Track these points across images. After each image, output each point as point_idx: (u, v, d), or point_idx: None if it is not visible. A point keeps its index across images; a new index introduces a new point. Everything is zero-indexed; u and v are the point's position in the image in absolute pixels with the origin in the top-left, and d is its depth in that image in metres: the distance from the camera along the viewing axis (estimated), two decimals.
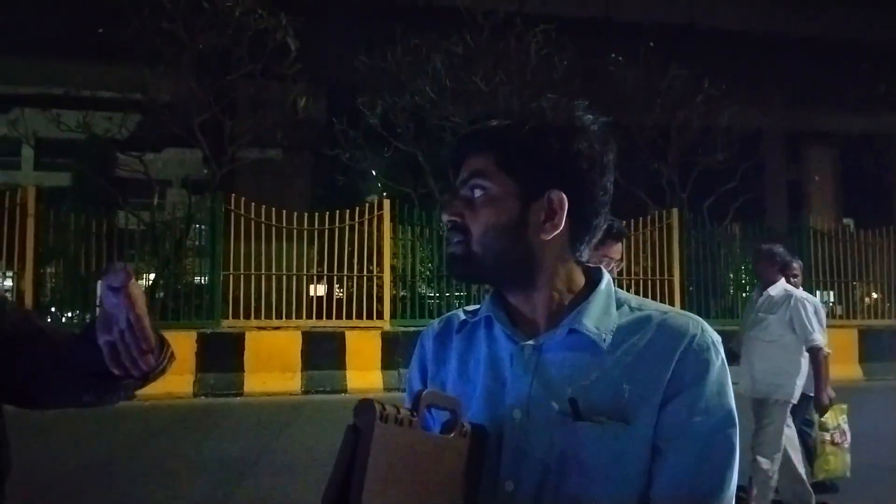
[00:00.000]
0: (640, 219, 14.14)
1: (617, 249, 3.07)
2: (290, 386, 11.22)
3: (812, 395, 5.29)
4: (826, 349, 5.25)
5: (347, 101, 18.07)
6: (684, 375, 1.09)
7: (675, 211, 14.55)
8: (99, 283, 1.14)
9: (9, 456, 1.38)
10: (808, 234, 14.83)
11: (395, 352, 11.63)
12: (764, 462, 4.85)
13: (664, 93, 19.07)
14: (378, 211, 13.10)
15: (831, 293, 15.42)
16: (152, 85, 16.14)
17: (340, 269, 12.88)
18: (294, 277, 12.68)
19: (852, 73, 22.66)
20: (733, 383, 1.14)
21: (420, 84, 17.10)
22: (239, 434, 8.54)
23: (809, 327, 4.97)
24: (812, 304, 5.21)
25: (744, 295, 14.56)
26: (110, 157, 22.90)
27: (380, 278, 12.87)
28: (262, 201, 12.95)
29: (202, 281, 13.08)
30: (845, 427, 5.42)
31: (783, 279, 5.24)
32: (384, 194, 18.38)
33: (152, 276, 13.72)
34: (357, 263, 12.96)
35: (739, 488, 3.10)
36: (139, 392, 1.37)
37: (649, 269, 13.82)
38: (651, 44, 19.19)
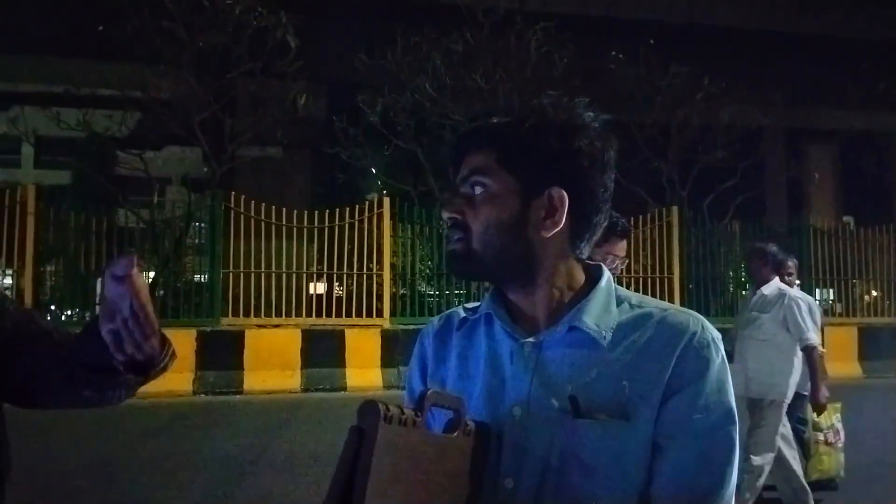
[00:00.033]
0: (640, 217, 14.13)
1: (622, 247, 3.07)
2: (290, 384, 11.22)
3: (806, 393, 5.29)
4: (820, 348, 5.25)
5: (347, 98, 18.07)
6: (684, 372, 1.09)
7: (674, 209, 14.55)
8: (104, 274, 1.14)
9: (9, 456, 1.38)
10: (807, 232, 14.83)
11: (394, 350, 11.62)
12: (756, 460, 4.84)
13: (664, 91, 19.06)
14: (378, 209, 13.10)
15: (831, 291, 15.42)
16: (152, 83, 16.13)
17: (340, 267, 12.88)
18: (294, 275, 12.68)
19: (852, 71, 22.66)
20: None
21: (420, 82, 17.09)
22: (239, 432, 8.54)
23: (803, 326, 4.95)
24: (806, 303, 5.21)
25: (743, 293, 14.55)
26: (110, 155, 22.90)
27: (379, 276, 12.87)
28: (261, 199, 12.95)
29: (202, 279, 13.07)
30: (839, 426, 5.42)
31: (777, 278, 5.22)
32: (384, 192, 18.40)
33: (152, 274, 13.72)
34: (357, 261, 12.96)
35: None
36: (139, 390, 1.36)
37: (649, 267, 13.83)
38: (651, 42, 19.18)
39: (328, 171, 21.06)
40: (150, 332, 1.12)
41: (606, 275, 1.21)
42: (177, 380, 10.47)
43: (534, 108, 1.16)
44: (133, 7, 14.59)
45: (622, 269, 3.17)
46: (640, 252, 13.85)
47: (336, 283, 13.31)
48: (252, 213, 12.54)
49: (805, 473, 5.24)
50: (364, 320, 12.47)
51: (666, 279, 13.83)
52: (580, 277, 1.20)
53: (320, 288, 13.32)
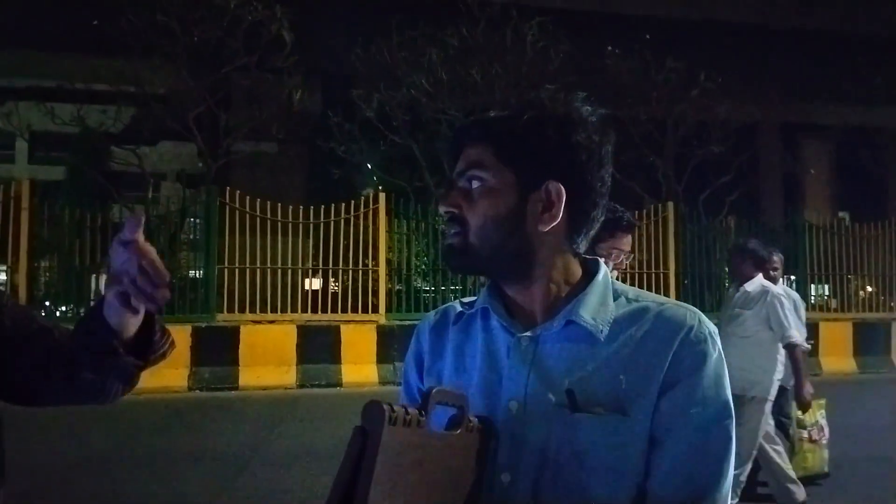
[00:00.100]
0: (636, 212, 14.10)
1: (627, 241, 3.06)
2: (285, 380, 11.21)
3: (789, 388, 5.29)
4: (805, 344, 5.26)
5: (343, 93, 18.06)
6: (681, 366, 1.08)
7: (670, 204, 14.55)
8: (111, 246, 1.16)
9: (3, 465, 1.36)
10: (803, 228, 14.85)
11: (390, 345, 11.62)
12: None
13: (660, 86, 19.08)
14: (373, 204, 13.07)
15: (826, 287, 15.45)
16: (147, 78, 16.11)
17: (336, 262, 12.86)
18: (289, 271, 12.66)
19: (848, 66, 22.70)
20: None
21: (416, 77, 17.08)
22: (234, 428, 8.53)
23: (786, 324, 4.94)
24: (791, 300, 5.22)
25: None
26: (105, 150, 22.87)
27: (375, 272, 12.86)
28: (256, 195, 12.92)
29: (197, 275, 13.04)
30: (823, 423, 5.42)
31: (760, 275, 5.20)
32: (380, 188, 18.38)
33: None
34: (352, 257, 12.95)
35: None
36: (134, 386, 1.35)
37: (645, 263, 13.83)
38: (647, 37, 19.22)
39: (323, 166, 21.06)
40: (161, 281, 1.13)
41: (603, 269, 1.20)
42: (172, 376, 10.46)
43: (531, 101, 1.16)
44: (127, 2, 14.54)
45: (627, 264, 3.17)
46: (636, 247, 13.82)
47: (331, 279, 13.30)
48: (247, 209, 12.51)
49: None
50: (360, 316, 12.46)
51: (661, 274, 13.84)
52: (577, 272, 1.19)
53: (316, 284, 13.30)
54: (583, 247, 1.20)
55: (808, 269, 14.72)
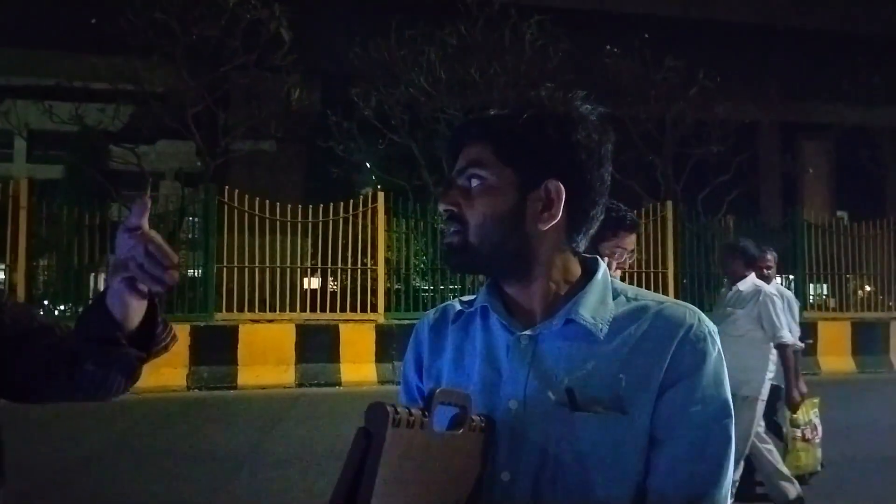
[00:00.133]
0: (635, 211, 14.08)
1: (631, 240, 3.07)
2: (284, 379, 11.21)
3: (783, 386, 5.30)
4: (798, 343, 5.26)
5: (341, 92, 18.05)
6: (681, 365, 1.08)
7: (669, 203, 14.54)
8: (116, 234, 1.16)
9: (3, 466, 1.36)
10: (801, 227, 14.85)
11: (389, 345, 11.62)
12: None
13: (659, 85, 19.07)
14: (372, 203, 13.06)
15: (825, 286, 15.45)
16: (145, 76, 16.10)
17: (334, 261, 12.85)
18: (288, 270, 12.65)
19: (847, 66, 22.69)
20: None
21: (414, 75, 17.08)
22: (232, 427, 8.53)
23: (777, 324, 4.95)
24: (785, 299, 5.23)
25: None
26: (103, 149, 22.87)
27: (374, 271, 12.85)
28: (255, 193, 12.90)
29: (195, 274, 13.02)
30: (817, 422, 5.41)
31: (752, 274, 5.21)
32: (378, 186, 18.37)
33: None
34: (351, 256, 12.94)
35: None
36: (132, 386, 1.34)
37: (643, 262, 13.83)
38: (646, 36, 19.19)
39: (322, 165, 21.05)
40: (170, 263, 1.13)
41: (603, 268, 1.20)
42: (170, 375, 10.46)
43: (531, 100, 1.16)
44: (126, 0, 14.53)
45: (630, 263, 3.18)
46: (635, 247, 13.81)
47: (330, 278, 13.29)
48: (246, 208, 12.50)
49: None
50: (358, 315, 12.45)
51: (660, 274, 13.84)
52: (576, 270, 1.19)
53: (314, 283, 13.29)
54: (582, 245, 1.20)
55: (807, 268, 14.72)
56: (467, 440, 1.02)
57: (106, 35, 14.99)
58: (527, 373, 1.11)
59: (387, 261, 13.06)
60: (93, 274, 12.83)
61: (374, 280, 12.82)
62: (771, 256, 5.68)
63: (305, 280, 13.21)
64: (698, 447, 1.07)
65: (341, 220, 12.91)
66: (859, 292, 15.51)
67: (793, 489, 5.09)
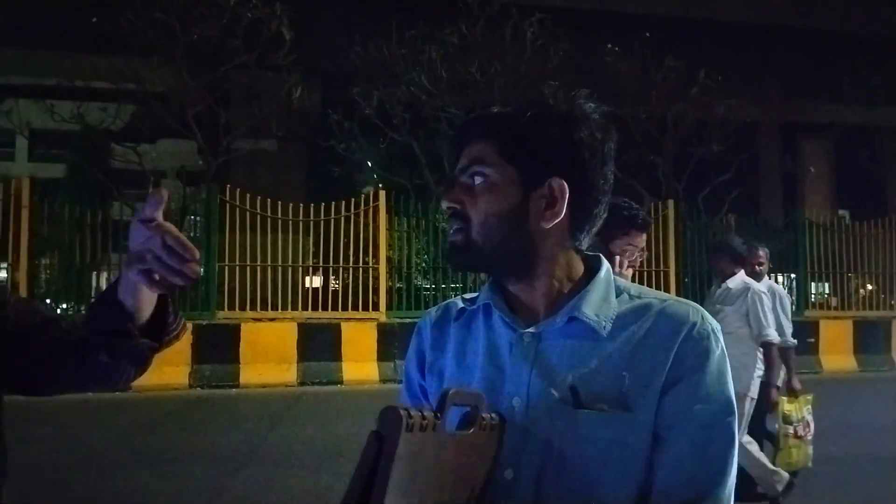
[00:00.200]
0: None
1: (641, 239, 3.08)
2: (286, 377, 11.21)
3: (780, 385, 5.31)
4: (791, 340, 5.27)
5: (342, 91, 18.05)
6: (684, 363, 1.09)
7: (670, 203, 14.54)
8: (131, 226, 1.15)
9: (5, 462, 1.36)
10: (803, 226, 14.85)
11: (390, 343, 11.62)
12: None
13: (660, 84, 19.06)
14: (374, 202, 13.06)
15: (826, 285, 15.46)
16: (146, 76, 16.08)
17: (336, 260, 12.86)
18: (290, 269, 12.66)
19: (848, 65, 22.67)
20: None
21: (415, 74, 17.08)
22: (234, 425, 8.53)
23: (763, 322, 4.95)
24: (777, 296, 5.25)
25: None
26: (105, 148, 22.87)
27: (375, 269, 12.86)
28: (257, 192, 12.91)
29: None
30: (809, 419, 5.41)
31: (742, 271, 5.22)
32: (380, 185, 18.37)
33: None
34: (353, 255, 12.94)
35: None
36: (135, 383, 1.35)
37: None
38: (647, 35, 19.18)
39: (323, 164, 21.05)
40: (190, 256, 1.12)
41: (605, 265, 1.20)
42: (172, 373, 10.47)
43: (534, 98, 1.16)
44: (127, 0, 14.53)
45: (640, 262, 3.19)
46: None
47: (332, 277, 13.29)
48: (247, 207, 12.50)
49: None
50: (360, 314, 12.46)
51: (662, 273, 13.84)
52: (579, 268, 1.19)
53: (316, 281, 13.29)
54: (585, 243, 1.20)
55: (809, 267, 14.72)
56: (478, 439, 1.02)
57: (107, 34, 14.99)
58: (530, 370, 1.12)
59: (388, 259, 13.06)
60: (94, 272, 12.84)
61: (376, 279, 12.83)
62: (762, 253, 5.67)
63: (307, 279, 13.23)
64: (702, 445, 1.07)
65: (343, 219, 12.92)
66: (861, 291, 15.50)
67: (781, 477, 5.11)
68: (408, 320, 11.85)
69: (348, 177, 21.36)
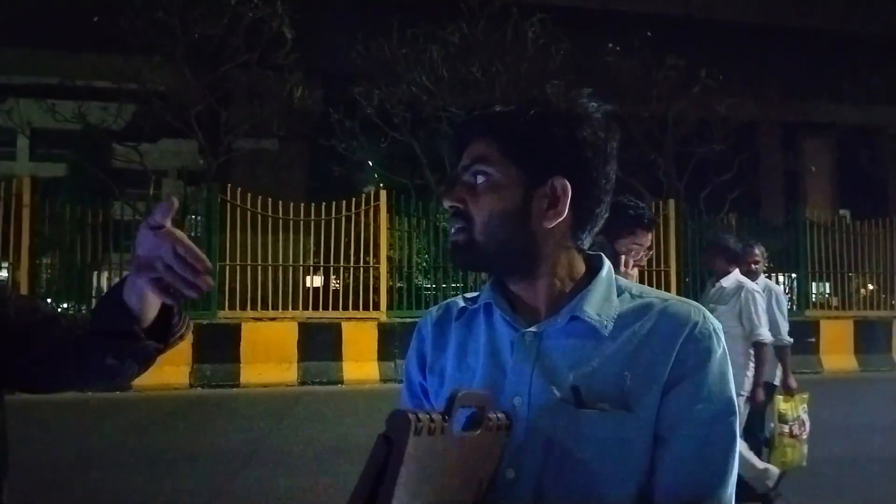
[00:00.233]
0: None
1: (648, 238, 3.08)
2: (287, 377, 11.21)
3: (776, 384, 5.31)
4: (786, 339, 5.26)
5: (343, 91, 18.05)
6: (686, 363, 1.08)
7: (671, 202, 14.54)
8: (139, 229, 1.13)
9: (5, 462, 1.36)
10: (804, 226, 14.84)
11: (391, 343, 11.62)
12: None
13: (661, 84, 19.05)
14: (375, 202, 13.06)
15: (827, 285, 15.45)
16: (147, 75, 16.09)
17: (337, 259, 12.86)
18: (290, 268, 12.66)
19: (849, 65, 22.67)
20: None
21: (416, 74, 17.08)
22: (235, 425, 8.53)
23: (756, 321, 4.94)
24: (773, 294, 5.24)
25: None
26: (106, 147, 22.86)
27: (376, 269, 12.86)
28: (258, 192, 12.91)
29: None
30: (805, 418, 5.40)
31: (736, 270, 5.21)
32: (380, 185, 18.37)
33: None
34: (353, 254, 12.94)
35: None
36: (135, 383, 1.35)
37: (645, 260, 13.82)
38: (647, 34, 19.17)
39: (324, 163, 21.06)
40: (203, 268, 1.10)
41: (607, 265, 1.20)
42: (173, 373, 10.47)
43: (537, 97, 1.15)
44: None
45: (647, 261, 3.21)
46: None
47: (333, 276, 13.29)
48: (248, 206, 12.50)
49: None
50: (361, 313, 12.46)
51: (662, 272, 13.83)
52: (581, 268, 1.19)
53: (317, 281, 13.29)
54: (587, 242, 1.20)
55: (809, 266, 14.71)
56: (484, 440, 1.02)
57: (107, 34, 15.00)
58: (531, 370, 1.11)
59: (389, 259, 13.06)
60: (95, 272, 12.84)
61: (377, 278, 12.83)
62: (758, 251, 5.66)
63: (308, 278, 13.22)
64: (703, 445, 1.07)
65: (343, 219, 12.91)
66: (862, 291, 15.49)
67: (771, 473, 5.11)
68: (408, 320, 11.85)
69: (349, 176, 21.36)
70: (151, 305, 1.20)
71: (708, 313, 1.14)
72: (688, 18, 23.42)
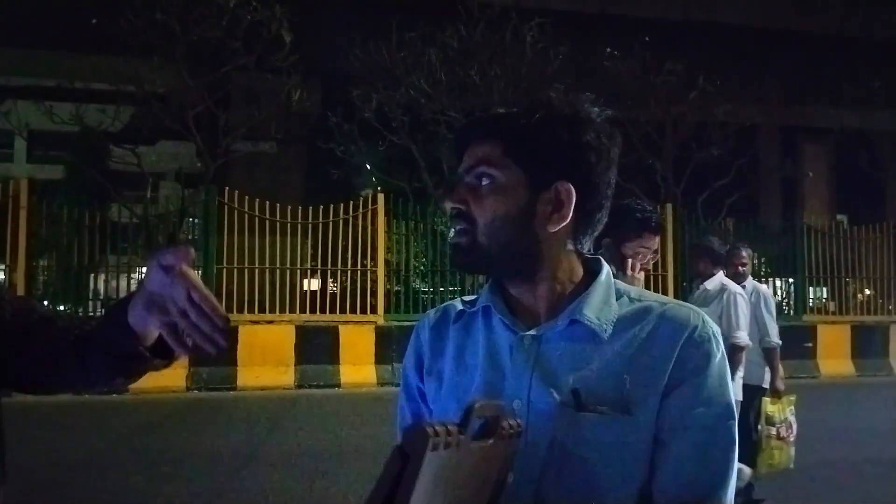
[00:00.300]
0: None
1: (654, 242, 3.08)
2: (284, 380, 11.20)
3: (766, 387, 5.31)
4: (775, 340, 5.26)
5: (342, 93, 18.06)
6: (686, 366, 1.08)
7: (669, 206, 14.54)
8: (149, 261, 1.10)
9: (5, 463, 1.36)
10: (801, 231, 14.84)
11: (388, 346, 11.62)
12: None
13: (659, 87, 19.08)
14: (372, 205, 13.06)
15: (824, 289, 15.45)
16: (146, 77, 16.09)
17: (334, 263, 12.85)
18: (288, 271, 12.64)
19: (847, 69, 22.69)
20: None
21: (415, 77, 17.09)
22: (232, 428, 8.52)
23: (734, 324, 4.91)
24: (762, 296, 5.26)
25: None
26: (103, 149, 22.87)
27: (374, 272, 12.84)
28: (255, 195, 12.90)
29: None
30: (792, 420, 5.40)
31: (721, 272, 5.20)
32: (378, 188, 18.36)
33: (145, 269, 13.66)
34: (351, 258, 12.93)
35: None
36: (132, 386, 1.34)
37: (652, 264, 13.80)
38: (646, 39, 19.19)
39: (322, 166, 21.06)
40: (222, 324, 1.05)
41: (606, 268, 1.20)
42: (170, 376, 10.44)
43: (541, 100, 1.15)
44: (127, 1, 14.53)
45: (653, 264, 3.21)
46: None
47: (330, 280, 13.29)
48: (246, 209, 12.49)
49: (755, 467, 5.23)
50: (358, 317, 12.45)
51: (660, 276, 13.83)
52: (580, 271, 1.19)
53: (314, 284, 13.28)
54: (587, 246, 1.19)
55: (807, 271, 14.72)
56: (497, 448, 1.01)
57: (106, 35, 15.00)
58: (530, 373, 1.11)
59: (386, 262, 13.06)
60: (93, 274, 12.82)
61: (374, 281, 12.82)
62: (745, 253, 5.65)
63: (305, 281, 13.21)
64: (703, 448, 1.07)
65: (341, 222, 12.91)
66: (859, 296, 15.50)
67: (743, 477, 5.09)
68: (406, 323, 11.84)
69: (347, 179, 21.36)
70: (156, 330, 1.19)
71: (706, 317, 1.13)
72: (686, 22, 23.47)
